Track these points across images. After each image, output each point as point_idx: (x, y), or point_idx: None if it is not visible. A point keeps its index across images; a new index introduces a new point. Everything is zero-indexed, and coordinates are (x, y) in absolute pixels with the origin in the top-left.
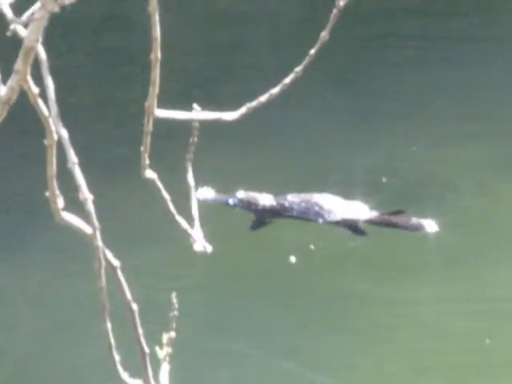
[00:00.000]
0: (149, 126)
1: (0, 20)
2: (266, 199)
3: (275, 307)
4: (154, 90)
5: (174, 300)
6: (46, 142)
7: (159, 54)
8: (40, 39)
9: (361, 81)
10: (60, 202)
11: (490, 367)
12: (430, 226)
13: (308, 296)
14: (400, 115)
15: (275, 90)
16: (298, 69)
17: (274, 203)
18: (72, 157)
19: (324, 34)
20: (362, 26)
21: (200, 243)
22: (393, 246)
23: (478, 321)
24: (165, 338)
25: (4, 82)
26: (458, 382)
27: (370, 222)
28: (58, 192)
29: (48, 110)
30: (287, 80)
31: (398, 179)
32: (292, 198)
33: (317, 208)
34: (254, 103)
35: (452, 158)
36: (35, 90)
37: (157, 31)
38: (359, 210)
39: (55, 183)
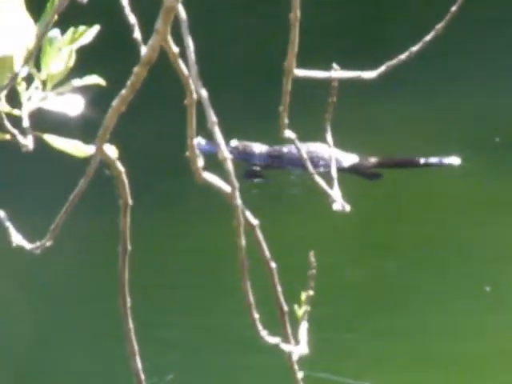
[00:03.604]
0: (288, 86)
1: None
2: (261, 148)
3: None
4: (293, 49)
5: (312, 259)
6: (185, 101)
7: (298, 13)
8: None
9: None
10: (200, 162)
11: None
12: (453, 160)
13: None
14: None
15: (415, 48)
16: (439, 26)
17: (270, 151)
18: (212, 116)
19: None
20: None
21: (339, 203)
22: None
23: None
24: (303, 296)
25: (145, 43)
26: None
27: (382, 164)
28: (198, 152)
29: (188, 70)
30: (428, 38)
31: None
32: (287, 148)
33: (316, 157)
34: (393, 61)
35: None
36: (175, 49)
37: None
38: (358, 158)
39: (195, 141)
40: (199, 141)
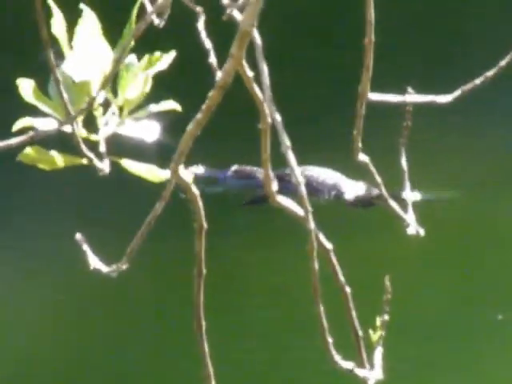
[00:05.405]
0: (362, 110)
1: (215, 4)
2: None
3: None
4: (368, 73)
5: (388, 283)
6: (260, 125)
7: (373, 38)
8: (255, 23)
9: None
10: (274, 185)
11: None
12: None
13: None
14: None
15: (490, 73)
16: None
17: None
18: (285, 141)
19: None
20: None
21: (413, 227)
22: None
23: None
24: (378, 321)
25: (220, 67)
26: None
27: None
28: (271, 175)
29: (262, 94)
30: (503, 63)
31: None
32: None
33: (316, 182)
34: (468, 86)
35: None
36: (250, 74)
37: (371, 14)
38: (358, 187)
39: (269, 166)
40: (198, 168)
